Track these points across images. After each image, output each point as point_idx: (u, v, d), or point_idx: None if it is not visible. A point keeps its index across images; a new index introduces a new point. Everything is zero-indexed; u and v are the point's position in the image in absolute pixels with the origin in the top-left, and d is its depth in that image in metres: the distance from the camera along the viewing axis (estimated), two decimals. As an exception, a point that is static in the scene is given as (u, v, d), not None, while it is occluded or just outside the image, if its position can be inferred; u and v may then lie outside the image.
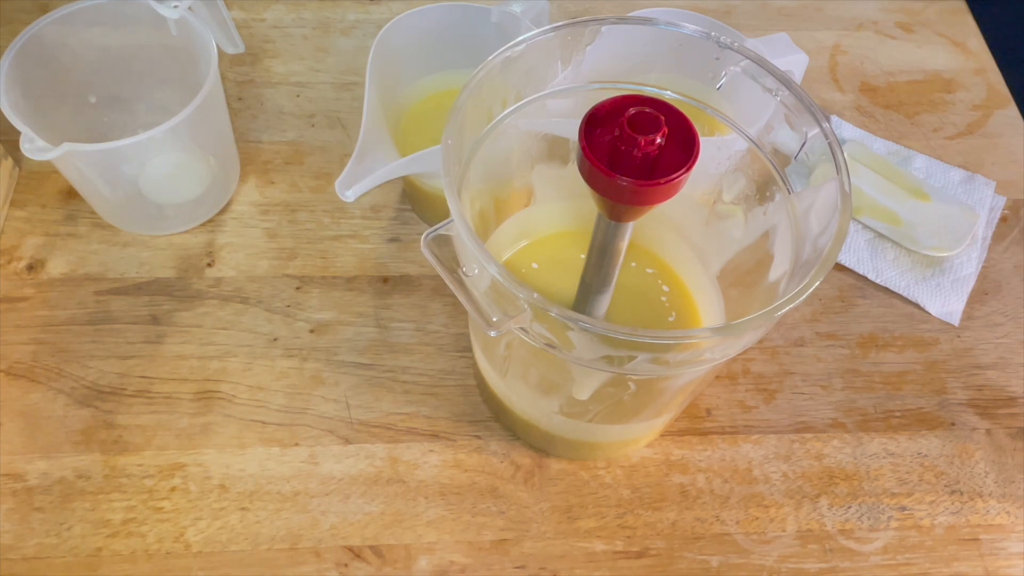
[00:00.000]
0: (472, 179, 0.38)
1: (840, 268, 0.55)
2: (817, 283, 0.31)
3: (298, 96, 0.61)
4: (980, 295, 0.55)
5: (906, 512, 0.46)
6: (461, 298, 0.32)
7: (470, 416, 0.48)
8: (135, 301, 0.51)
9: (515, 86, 0.38)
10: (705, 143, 0.31)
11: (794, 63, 0.49)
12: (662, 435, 0.48)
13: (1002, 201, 0.58)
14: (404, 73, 0.53)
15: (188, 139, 0.50)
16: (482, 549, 0.44)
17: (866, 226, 0.56)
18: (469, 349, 0.50)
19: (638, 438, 0.46)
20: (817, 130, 0.35)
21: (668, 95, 0.39)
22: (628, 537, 0.45)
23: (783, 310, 0.31)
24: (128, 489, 0.45)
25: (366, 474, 0.46)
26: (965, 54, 0.67)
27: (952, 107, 0.64)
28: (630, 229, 0.35)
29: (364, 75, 0.48)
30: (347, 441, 0.47)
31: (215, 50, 0.48)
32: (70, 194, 0.55)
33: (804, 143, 0.35)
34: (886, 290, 0.54)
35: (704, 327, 0.44)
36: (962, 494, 0.47)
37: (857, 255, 0.55)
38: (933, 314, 0.54)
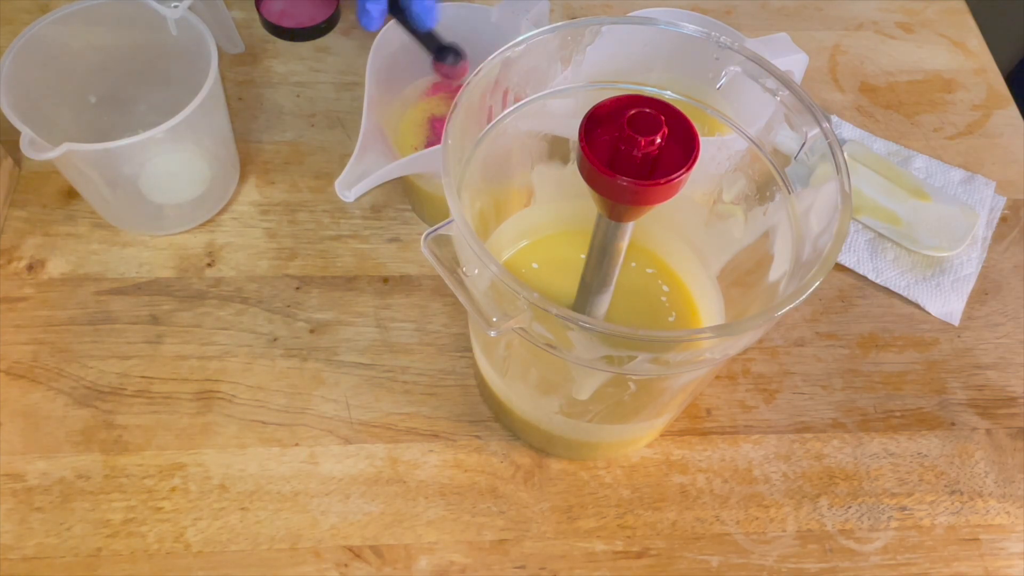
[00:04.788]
0: (472, 179, 0.38)
1: (840, 268, 0.55)
2: (817, 283, 0.31)
3: (298, 96, 0.61)
4: (980, 295, 0.55)
5: (906, 512, 0.46)
6: (461, 298, 0.32)
7: (470, 416, 0.48)
8: (135, 301, 0.51)
9: (515, 86, 0.38)
10: (705, 143, 0.31)
11: (794, 63, 0.49)
12: (662, 435, 0.48)
13: (1002, 201, 0.58)
14: (404, 73, 0.53)
15: (188, 139, 0.50)
16: (482, 549, 0.44)
17: (866, 226, 0.56)
18: (469, 349, 0.50)
19: (638, 438, 0.46)
20: (817, 130, 0.35)
21: (668, 95, 0.39)
22: (628, 537, 0.45)
23: (783, 310, 0.31)
24: (128, 489, 0.45)
25: (366, 474, 0.46)
26: (965, 54, 0.67)
27: (952, 107, 0.64)
28: (630, 229, 0.35)
29: (364, 75, 0.48)
30: (347, 441, 0.47)
31: (215, 50, 0.48)
32: (70, 194, 0.55)
33: (804, 143, 0.35)
34: (886, 290, 0.54)
35: (704, 327, 0.44)
36: (962, 494, 0.47)
37: (857, 255, 0.55)
38: (933, 314, 0.54)
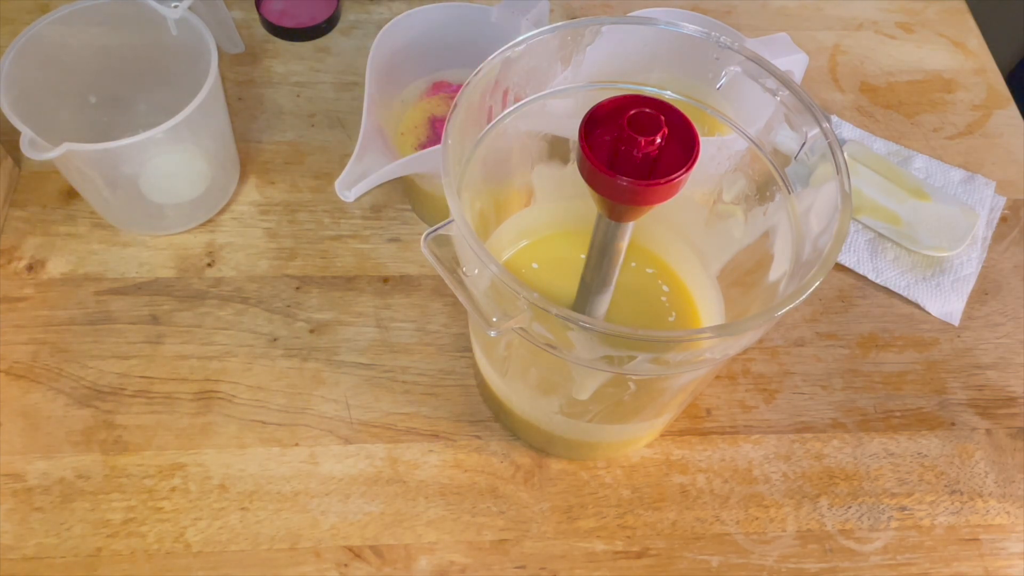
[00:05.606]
0: (472, 179, 0.38)
1: (840, 268, 0.55)
2: (817, 283, 0.31)
3: (298, 96, 0.61)
4: (980, 295, 0.55)
5: (906, 512, 0.46)
6: (461, 298, 0.32)
7: (470, 416, 0.48)
8: (135, 301, 0.51)
9: (515, 86, 0.38)
10: (705, 143, 0.31)
11: (794, 63, 0.49)
12: (662, 435, 0.48)
13: (1002, 201, 0.58)
14: (404, 73, 0.53)
15: (188, 139, 0.50)
16: (482, 549, 0.44)
17: (866, 226, 0.56)
18: (469, 349, 0.50)
19: (638, 438, 0.46)
20: (817, 130, 0.35)
21: (668, 95, 0.39)
22: (628, 537, 0.45)
23: (783, 310, 0.31)
24: (128, 489, 0.45)
25: (366, 474, 0.46)
26: (965, 54, 0.67)
27: (952, 107, 0.64)
28: (630, 229, 0.35)
29: (364, 75, 0.48)
30: (347, 441, 0.47)
31: (215, 50, 0.48)
32: (70, 194, 0.55)
33: (804, 143, 0.35)
34: (886, 290, 0.54)
35: (704, 327, 0.44)
36: (962, 494, 0.47)
37: (857, 255, 0.55)
38: (933, 314, 0.54)
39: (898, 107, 0.64)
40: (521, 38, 0.36)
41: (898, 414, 0.50)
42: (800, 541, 0.45)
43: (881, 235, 0.56)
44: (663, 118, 0.30)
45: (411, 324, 0.51)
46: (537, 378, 0.42)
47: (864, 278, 0.55)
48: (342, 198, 0.43)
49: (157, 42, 0.51)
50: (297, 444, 0.46)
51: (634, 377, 0.37)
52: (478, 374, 0.48)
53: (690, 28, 0.37)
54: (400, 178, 0.49)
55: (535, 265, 0.46)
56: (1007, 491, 0.47)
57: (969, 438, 0.49)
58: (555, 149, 0.43)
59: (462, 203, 0.33)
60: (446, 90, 0.55)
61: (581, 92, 0.40)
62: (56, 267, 0.52)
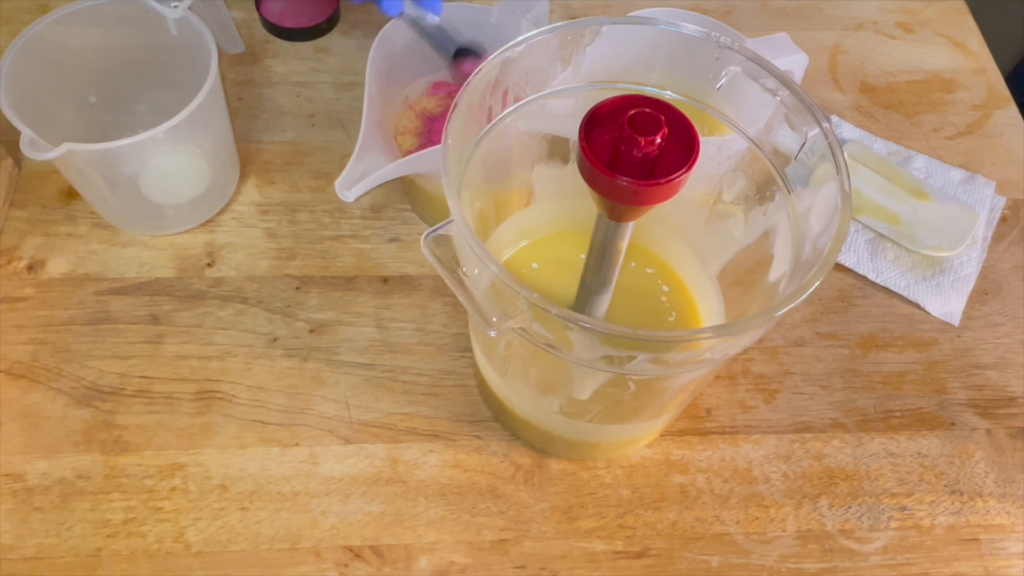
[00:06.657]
0: (472, 179, 0.38)
1: (840, 268, 0.55)
2: (817, 283, 0.31)
3: (298, 96, 0.61)
4: (980, 295, 0.55)
5: (906, 512, 0.46)
6: (461, 298, 0.32)
7: (470, 416, 0.48)
8: (135, 301, 0.51)
9: (515, 86, 0.38)
10: (705, 143, 0.31)
11: (794, 63, 0.49)
12: (662, 435, 0.48)
13: (1002, 201, 0.58)
14: (404, 73, 0.53)
15: (188, 139, 0.50)
16: (482, 549, 0.44)
17: (866, 226, 0.56)
18: (469, 349, 0.50)
19: (638, 438, 0.46)
20: (817, 130, 0.35)
21: (668, 95, 0.39)
22: (628, 537, 0.45)
23: (783, 310, 0.31)
24: (128, 489, 0.45)
25: (366, 474, 0.46)
26: (965, 54, 0.67)
27: (952, 107, 0.64)
28: (630, 229, 0.35)
29: (364, 75, 0.48)
30: (347, 441, 0.47)
31: (215, 50, 0.48)
32: (70, 194, 0.55)
33: (804, 143, 0.35)
34: (886, 290, 0.54)
35: (704, 327, 0.44)
36: (962, 494, 0.47)
37: (857, 255, 0.55)
38: (933, 314, 0.54)
39: (898, 107, 0.64)
40: (521, 38, 0.36)
41: (898, 414, 0.50)
42: (800, 541, 0.45)
43: (881, 235, 0.56)
44: (663, 118, 0.30)
45: (411, 324, 0.51)
46: (537, 378, 0.42)
47: (864, 278, 0.55)
48: (342, 198, 0.43)
49: (157, 42, 0.51)
50: (297, 444, 0.46)
51: (634, 377, 0.37)
52: (478, 374, 0.48)
53: (690, 28, 0.37)
54: (400, 178, 0.49)
55: (535, 265, 0.46)
56: (1007, 491, 0.47)
57: (969, 438, 0.49)
58: (555, 149, 0.43)
59: (462, 203, 0.33)
60: (446, 90, 0.55)
61: (581, 92, 0.40)
62: (56, 267, 0.52)
